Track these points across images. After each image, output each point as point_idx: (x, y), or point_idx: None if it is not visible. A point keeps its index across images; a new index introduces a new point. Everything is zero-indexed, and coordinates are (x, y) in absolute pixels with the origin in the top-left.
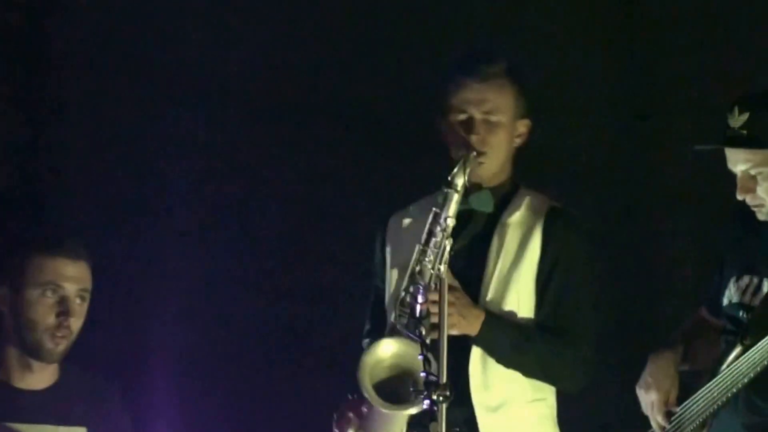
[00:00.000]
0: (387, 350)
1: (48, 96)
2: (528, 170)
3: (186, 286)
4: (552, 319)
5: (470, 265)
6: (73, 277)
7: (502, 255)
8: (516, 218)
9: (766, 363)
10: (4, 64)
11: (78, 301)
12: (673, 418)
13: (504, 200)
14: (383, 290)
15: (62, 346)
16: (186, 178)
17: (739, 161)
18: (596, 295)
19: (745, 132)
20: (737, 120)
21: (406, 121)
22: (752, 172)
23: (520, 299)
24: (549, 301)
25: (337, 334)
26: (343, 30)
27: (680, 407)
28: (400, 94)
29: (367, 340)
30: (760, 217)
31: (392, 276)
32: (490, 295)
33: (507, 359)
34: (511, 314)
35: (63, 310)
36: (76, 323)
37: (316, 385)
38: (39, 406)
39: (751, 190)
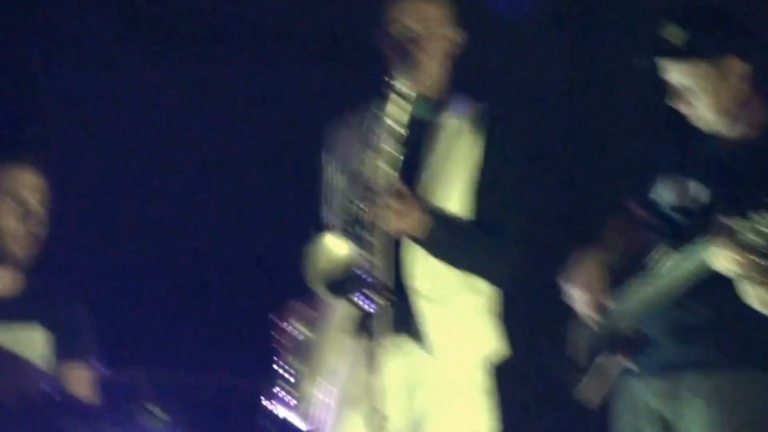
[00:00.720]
0: (334, 245)
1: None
2: (480, 92)
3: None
4: (486, 219)
5: (411, 167)
6: (32, 186)
7: (442, 158)
8: (455, 123)
9: (703, 271)
10: None
11: (36, 206)
12: (607, 314)
13: (441, 107)
14: (327, 203)
15: (27, 250)
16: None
17: (674, 72)
18: (524, 197)
19: (680, 44)
20: (672, 33)
21: (345, 32)
22: (685, 82)
23: (459, 199)
24: (484, 202)
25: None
26: None
27: (613, 303)
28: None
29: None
30: (693, 122)
31: (336, 180)
32: (430, 196)
33: (447, 257)
34: (450, 213)
35: (25, 215)
36: (38, 228)
37: None
38: (2, 306)
39: (684, 100)
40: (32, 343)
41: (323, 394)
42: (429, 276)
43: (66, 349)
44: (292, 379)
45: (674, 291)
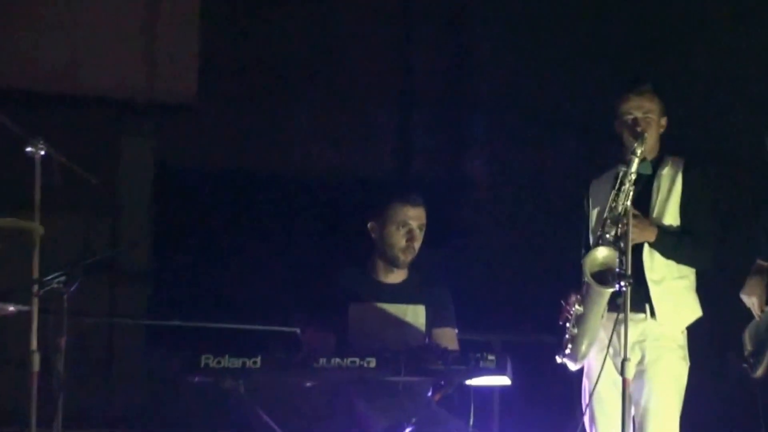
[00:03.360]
0: (600, 253)
1: None
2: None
3: None
4: (690, 227)
5: (642, 203)
6: (415, 217)
7: (661, 194)
8: (666, 172)
9: None
10: None
11: (418, 231)
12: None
13: (657, 164)
14: (588, 228)
15: (409, 258)
16: None
17: None
18: (716, 213)
19: None
20: None
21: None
22: None
23: (672, 218)
24: (689, 218)
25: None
26: None
27: None
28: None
29: (583, 251)
30: None
31: (593, 214)
32: (656, 217)
33: (669, 253)
34: (668, 226)
35: (409, 237)
36: (416, 245)
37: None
38: (395, 292)
39: None
40: (416, 316)
41: (589, 348)
42: (656, 268)
43: (437, 319)
44: (571, 338)
45: None
